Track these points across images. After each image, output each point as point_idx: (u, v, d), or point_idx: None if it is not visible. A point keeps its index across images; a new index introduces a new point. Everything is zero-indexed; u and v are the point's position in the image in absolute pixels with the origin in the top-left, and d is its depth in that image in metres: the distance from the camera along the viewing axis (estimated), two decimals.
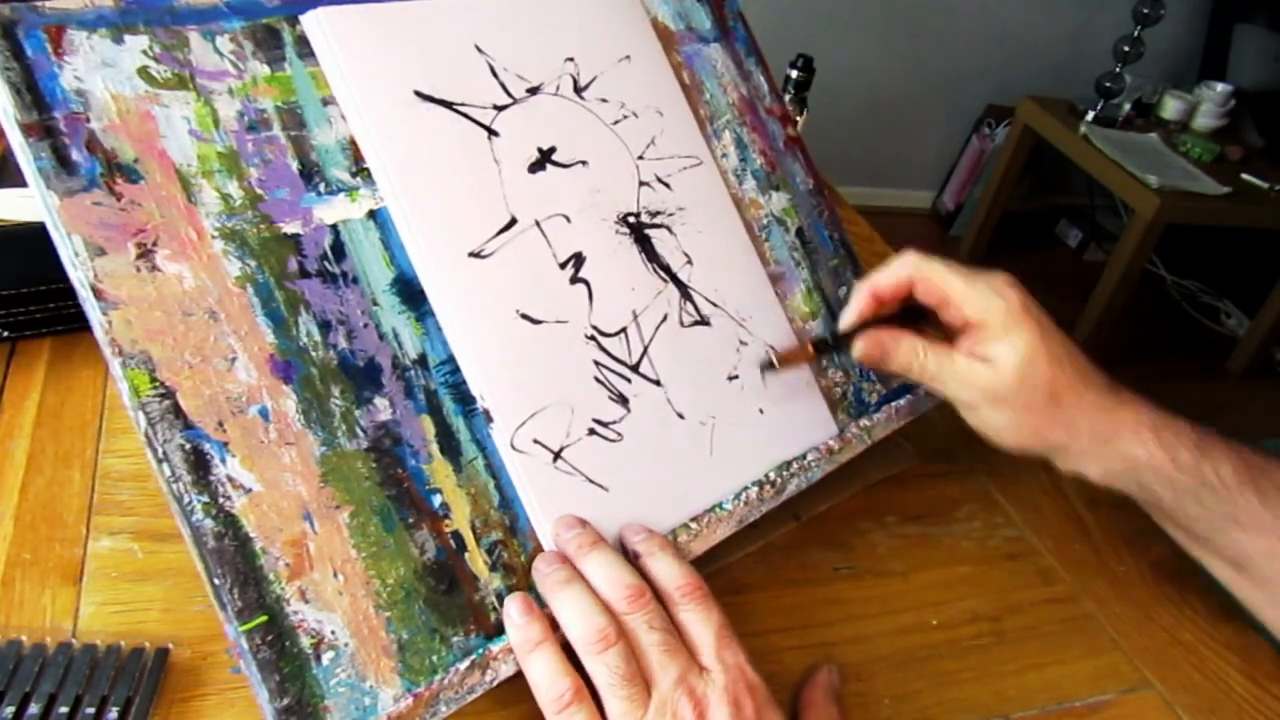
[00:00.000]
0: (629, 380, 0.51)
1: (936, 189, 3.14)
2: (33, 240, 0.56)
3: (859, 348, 0.54)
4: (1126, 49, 2.44)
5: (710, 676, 0.40)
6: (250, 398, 0.39)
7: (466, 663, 0.40)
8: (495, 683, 0.40)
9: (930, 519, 0.64)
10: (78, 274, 0.36)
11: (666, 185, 0.57)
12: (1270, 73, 2.74)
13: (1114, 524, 0.66)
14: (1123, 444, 0.51)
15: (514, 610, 0.42)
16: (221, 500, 0.37)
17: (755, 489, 0.52)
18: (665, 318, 0.54)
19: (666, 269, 0.55)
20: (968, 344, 0.53)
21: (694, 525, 0.49)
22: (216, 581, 0.36)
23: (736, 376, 0.56)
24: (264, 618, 0.37)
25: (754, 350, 0.57)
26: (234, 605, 0.36)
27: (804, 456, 0.55)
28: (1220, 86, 2.62)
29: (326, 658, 0.38)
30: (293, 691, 0.37)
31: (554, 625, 0.42)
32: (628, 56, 0.58)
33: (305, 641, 0.37)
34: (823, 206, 0.65)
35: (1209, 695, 0.55)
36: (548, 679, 0.40)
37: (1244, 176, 2.41)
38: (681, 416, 0.52)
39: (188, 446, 0.37)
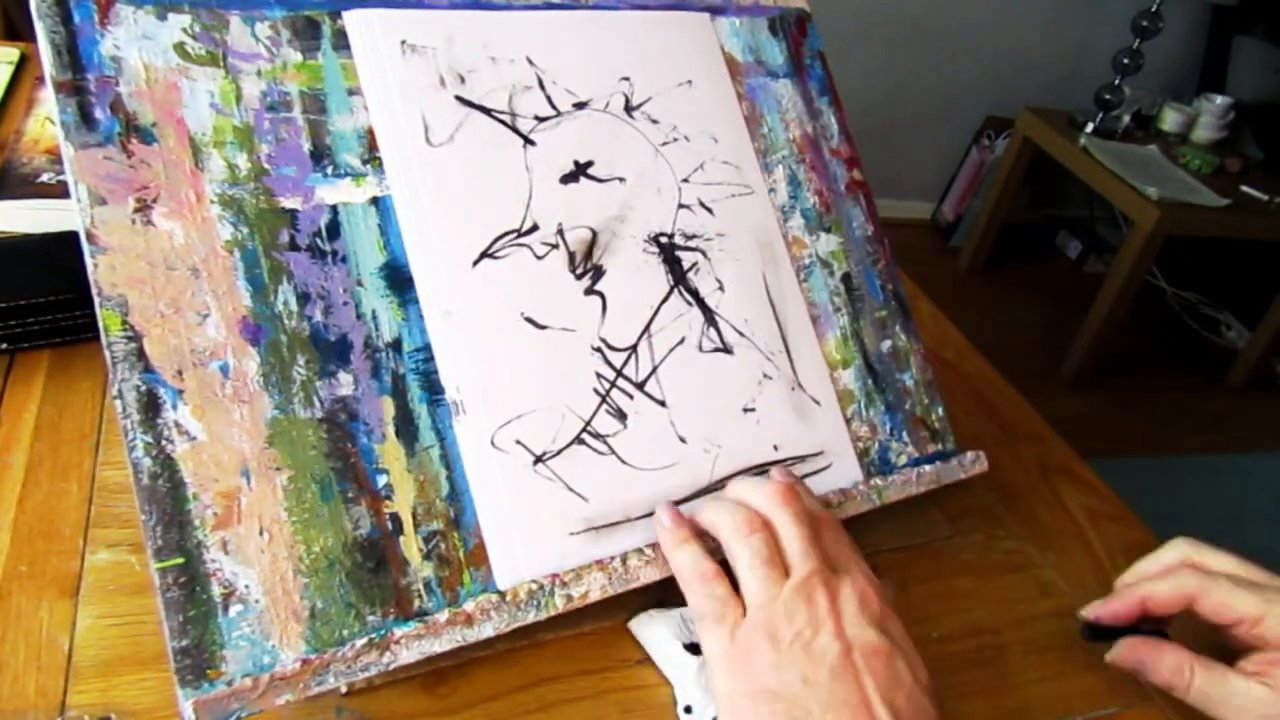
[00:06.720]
0: (631, 397, 0.50)
1: (936, 200, 3.14)
2: (32, 252, 0.60)
3: (1114, 653, 0.51)
4: (1126, 61, 2.45)
5: (842, 575, 0.44)
6: (214, 353, 0.41)
7: (364, 640, 0.40)
8: (393, 666, 0.40)
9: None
10: (78, 218, 0.40)
11: (709, 210, 0.56)
12: (1269, 85, 2.75)
13: (1115, 537, 0.65)
14: None
15: (664, 515, 0.48)
16: (164, 443, 0.39)
17: None
18: (683, 340, 0.53)
19: (694, 293, 0.55)
20: (1252, 663, 0.48)
21: (648, 550, 0.47)
22: (143, 517, 0.38)
23: (753, 409, 0.54)
24: (180, 560, 0.38)
25: (778, 385, 0.55)
26: (154, 543, 0.38)
27: None
28: (1219, 99, 2.60)
29: (234, 610, 0.39)
30: (193, 635, 0.38)
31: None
32: (689, 81, 0.58)
33: (216, 590, 0.39)
34: (878, 255, 0.62)
35: None
36: (693, 562, 0.45)
37: (1243, 188, 2.39)
38: (683, 440, 0.51)
39: (143, 388, 0.39)
